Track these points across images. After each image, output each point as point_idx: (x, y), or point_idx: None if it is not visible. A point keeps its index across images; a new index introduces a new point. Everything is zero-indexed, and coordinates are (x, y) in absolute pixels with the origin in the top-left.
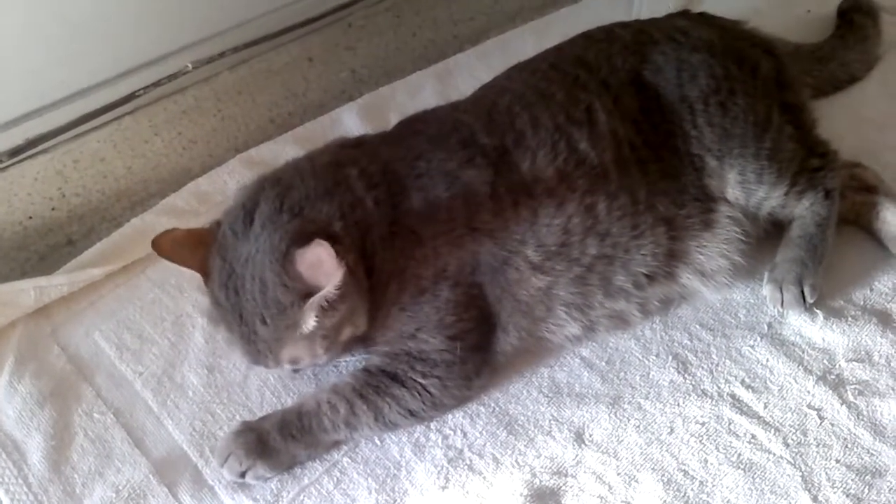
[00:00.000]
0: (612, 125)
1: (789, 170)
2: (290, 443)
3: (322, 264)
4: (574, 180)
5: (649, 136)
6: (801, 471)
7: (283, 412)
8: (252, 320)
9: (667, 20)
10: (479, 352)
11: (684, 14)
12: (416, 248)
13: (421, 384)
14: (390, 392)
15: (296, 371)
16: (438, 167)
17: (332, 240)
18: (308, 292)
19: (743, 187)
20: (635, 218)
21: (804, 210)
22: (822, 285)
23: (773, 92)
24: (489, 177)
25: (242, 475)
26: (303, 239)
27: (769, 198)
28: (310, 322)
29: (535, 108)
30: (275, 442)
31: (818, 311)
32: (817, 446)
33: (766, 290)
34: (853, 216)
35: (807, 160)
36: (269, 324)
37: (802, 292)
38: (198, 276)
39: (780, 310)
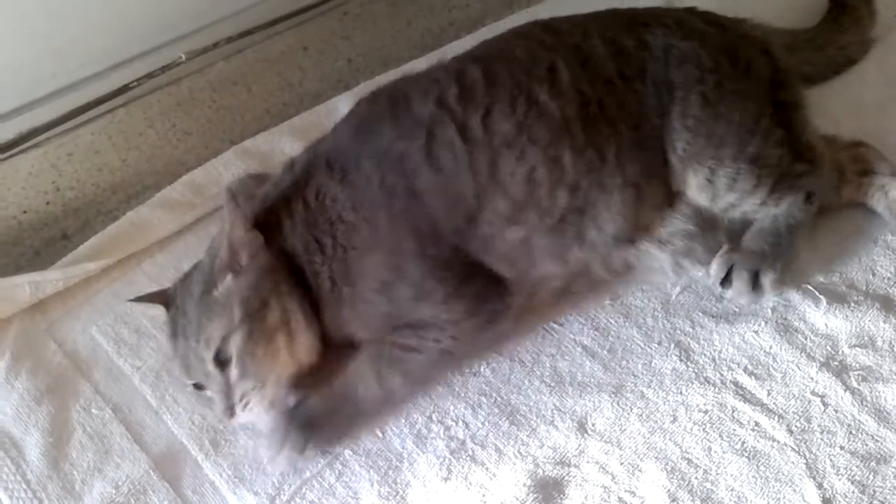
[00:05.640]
0: (579, 85)
1: (771, 176)
2: (335, 417)
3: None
4: (535, 132)
5: (626, 102)
6: (805, 458)
7: (314, 397)
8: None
9: (664, 10)
10: (485, 300)
11: (687, 10)
12: (353, 236)
13: (439, 350)
14: (410, 357)
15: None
16: (371, 150)
17: (267, 233)
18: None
19: (709, 191)
20: (602, 175)
21: (779, 211)
22: (780, 281)
23: (766, 93)
24: (422, 141)
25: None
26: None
27: (739, 205)
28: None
29: (493, 64)
30: (322, 418)
31: (821, 297)
32: (821, 433)
33: (715, 265)
34: (861, 198)
35: (792, 165)
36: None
37: (756, 283)
38: None
39: (721, 292)
